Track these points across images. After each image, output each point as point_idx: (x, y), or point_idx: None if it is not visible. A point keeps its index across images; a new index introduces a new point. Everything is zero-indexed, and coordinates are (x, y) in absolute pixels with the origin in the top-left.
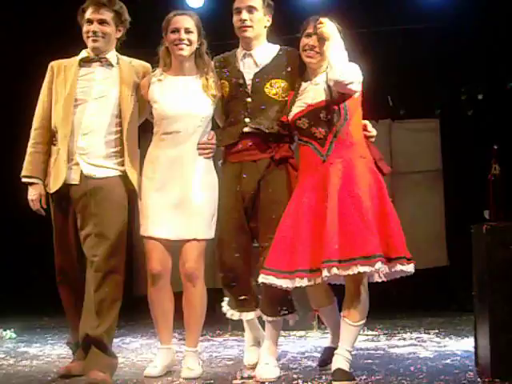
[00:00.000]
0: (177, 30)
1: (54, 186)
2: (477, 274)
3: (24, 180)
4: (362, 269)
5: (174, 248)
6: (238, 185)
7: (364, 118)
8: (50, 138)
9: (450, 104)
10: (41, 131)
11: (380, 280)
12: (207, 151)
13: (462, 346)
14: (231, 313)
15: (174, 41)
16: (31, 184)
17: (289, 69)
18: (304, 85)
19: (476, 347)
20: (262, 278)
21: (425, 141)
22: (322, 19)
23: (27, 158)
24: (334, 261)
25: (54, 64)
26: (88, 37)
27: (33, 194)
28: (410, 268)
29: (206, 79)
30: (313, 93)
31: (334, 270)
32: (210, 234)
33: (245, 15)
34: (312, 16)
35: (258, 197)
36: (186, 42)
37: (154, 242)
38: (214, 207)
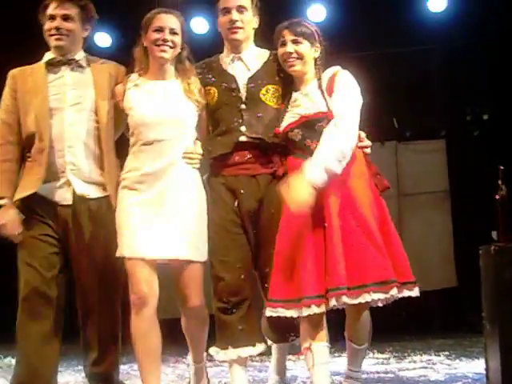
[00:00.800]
0: (160, 29)
1: (24, 190)
2: (486, 295)
3: None
4: (375, 296)
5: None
6: (236, 200)
7: (371, 139)
8: (20, 154)
9: (456, 124)
10: (8, 147)
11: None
12: (195, 161)
13: (472, 368)
14: (224, 353)
15: (155, 41)
16: (1, 206)
17: (282, 74)
18: (294, 95)
19: (487, 369)
20: (271, 312)
21: (431, 162)
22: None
23: None
24: (343, 288)
25: (14, 72)
26: (51, 35)
27: (2, 218)
28: (415, 292)
29: (188, 84)
30: (305, 103)
31: (344, 299)
32: (205, 255)
33: (235, 15)
34: (283, 23)
35: (259, 217)
36: (169, 43)
37: (139, 262)
38: (205, 224)
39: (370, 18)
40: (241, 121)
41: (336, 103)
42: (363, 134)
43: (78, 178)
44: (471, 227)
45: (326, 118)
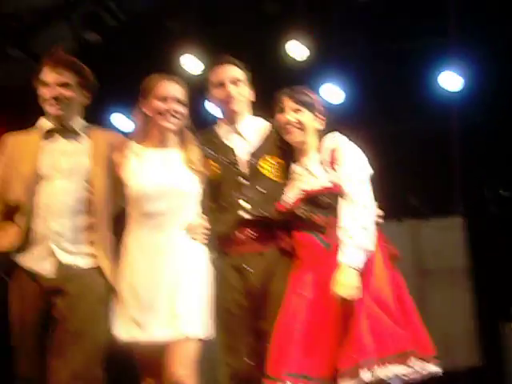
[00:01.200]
0: (164, 99)
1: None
2: (510, 374)
3: None
4: (394, 369)
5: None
6: (241, 280)
7: (388, 216)
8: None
9: (474, 201)
10: None
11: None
12: (199, 236)
13: None
14: None
15: (160, 110)
16: None
17: (281, 145)
18: (293, 166)
19: None
20: None
21: (450, 238)
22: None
23: None
24: (371, 361)
25: (8, 137)
26: (47, 104)
27: None
28: (438, 368)
29: (189, 154)
30: (307, 178)
31: (362, 374)
32: (205, 333)
33: (231, 88)
34: (284, 89)
35: (268, 293)
36: (178, 116)
37: (142, 348)
38: (209, 301)
39: (385, 96)
40: (243, 197)
41: (346, 179)
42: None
43: (61, 248)
44: (492, 304)
45: (330, 192)
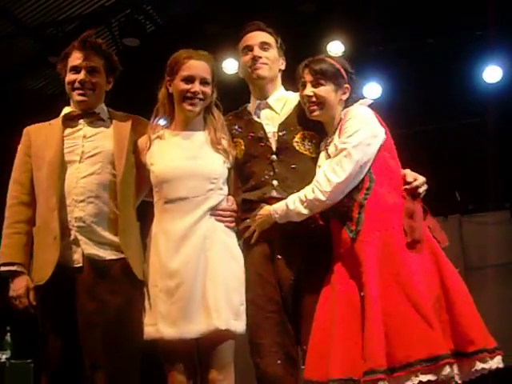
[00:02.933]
0: (190, 80)
1: (43, 274)
2: None
3: (3, 269)
4: (424, 377)
5: None
6: (273, 270)
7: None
8: (33, 215)
9: None
10: (20, 208)
11: None
12: (229, 219)
13: None
14: None
15: (184, 92)
16: (14, 274)
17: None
18: (322, 143)
19: None
20: None
21: (496, 234)
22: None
23: (4, 240)
24: (379, 371)
25: (29, 128)
26: (74, 88)
27: (17, 288)
28: (495, 363)
29: (215, 134)
30: (327, 155)
31: None
32: (240, 326)
33: (258, 51)
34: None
35: (300, 284)
36: (200, 95)
37: (172, 345)
38: (242, 292)
39: (425, 92)
40: (272, 173)
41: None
42: (410, 173)
43: (85, 237)
44: None
45: None
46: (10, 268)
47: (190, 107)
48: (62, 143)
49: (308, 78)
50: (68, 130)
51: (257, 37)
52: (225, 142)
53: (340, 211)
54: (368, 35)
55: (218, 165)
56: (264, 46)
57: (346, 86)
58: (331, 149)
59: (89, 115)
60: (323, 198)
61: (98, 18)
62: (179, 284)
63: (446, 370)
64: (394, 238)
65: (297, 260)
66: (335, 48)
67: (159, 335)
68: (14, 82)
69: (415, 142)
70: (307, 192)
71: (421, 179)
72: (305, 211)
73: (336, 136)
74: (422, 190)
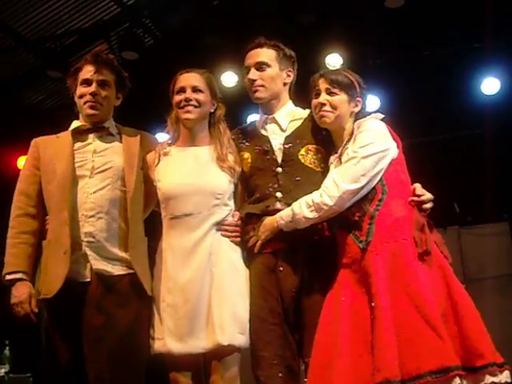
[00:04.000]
0: (182, 90)
1: (52, 287)
2: None
3: (9, 277)
4: None
5: None
6: (275, 281)
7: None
8: (38, 228)
9: None
10: (25, 219)
11: None
12: (234, 234)
13: None
14: None
15: (179, 103)
16: (16, 281)
17: (324, 132)
18: (331, 157)
19: None
20: None
21: (495, 245)
22: None
23: (9, 250)
24: (396, 382)
25: (38, 140)
26: (85, 102)
27: (19, 293)
28: (504, 377)
29: (221, 149)
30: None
31: None
32: (245, 341)
33: (253, 74)
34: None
35: (302, 296)
36: (193, 102)
37: (179, 359)
38: (247, 306)
39: (423, 106)
40: (276, 186)
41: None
42: (420, 188)
43: (95, 252)
44: None
45: None
46: (14, 276)
47: (185, 115)
48: (73, 157)
49: (323, 86)
50: (78, 144)
51: (254, 56)
52: (231, 158)
53: (350, 221)
54: (366, 48)
55: (223, 181)
56: (261, 65)
57: (358, 98)
58: (345, 157)
59: (98, 129)
60: (331, 203)
61: (97, 31)
62: (186, 300)
63: (456, 382)
64: (404, 249)
65: (298, 272)
66: (334, 60)
67: (166, 349)
68: (13, 96)
69: (413, 154)
70: (314, 196)
71: (429, 195)
72: (311, 215)
73: (350, 144)
74: (428, 205)
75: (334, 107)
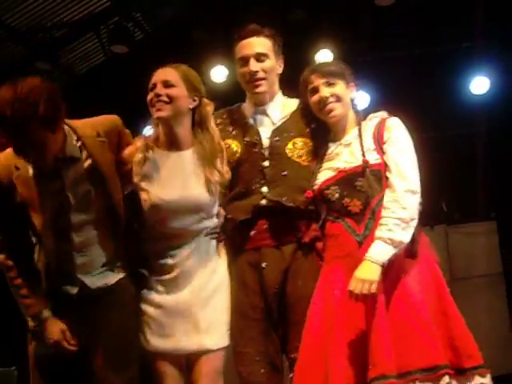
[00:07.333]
0: (154, 87)
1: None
2: None
3: (32, 324)
4: None
5: None
6: (258, 279)
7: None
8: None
9: (507, 205)
10: None
11: None
12: (214, 235)
13: None
14: None
15: (150, 101)
16: (44, 321)
17: (313, 125)
18: (332, 146)
19: None
20: None
21: (483, 244)
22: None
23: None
24: (392, 377)
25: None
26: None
27: (56, 332)
28: (488, 379)
29: (205, 154)
30: (345, 155)
31: None
32: (226, 340)
33: (254, 65)
34: (308, 68)
35: (285, 293)
36: (163, 98)
37: (163, 359)
38: (228, 308)
39: (412, 104)
40: (263, 181)
41: (393, 158)
42: None
43: (89, 275)
44: None
45: (368, 172)
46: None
47: (156, 113)
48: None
49: (318, 81)
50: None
51: (252, 46)
52: (218, 165)
53: (350, 212)
54: (356, 45)
55: (206, 196)
56: (260, 57)
57: (352, 83)
58: (392, 156)
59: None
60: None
61: (86, 24)
62: (174, 302)
63: (445, 380)
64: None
65: (282, 268)
66: (324, 57)
67: (153, 348)
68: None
69: None
70: (395, 214)
71: None
72: (410, 231)
73: (368, 140)
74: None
75: (338, 97)
